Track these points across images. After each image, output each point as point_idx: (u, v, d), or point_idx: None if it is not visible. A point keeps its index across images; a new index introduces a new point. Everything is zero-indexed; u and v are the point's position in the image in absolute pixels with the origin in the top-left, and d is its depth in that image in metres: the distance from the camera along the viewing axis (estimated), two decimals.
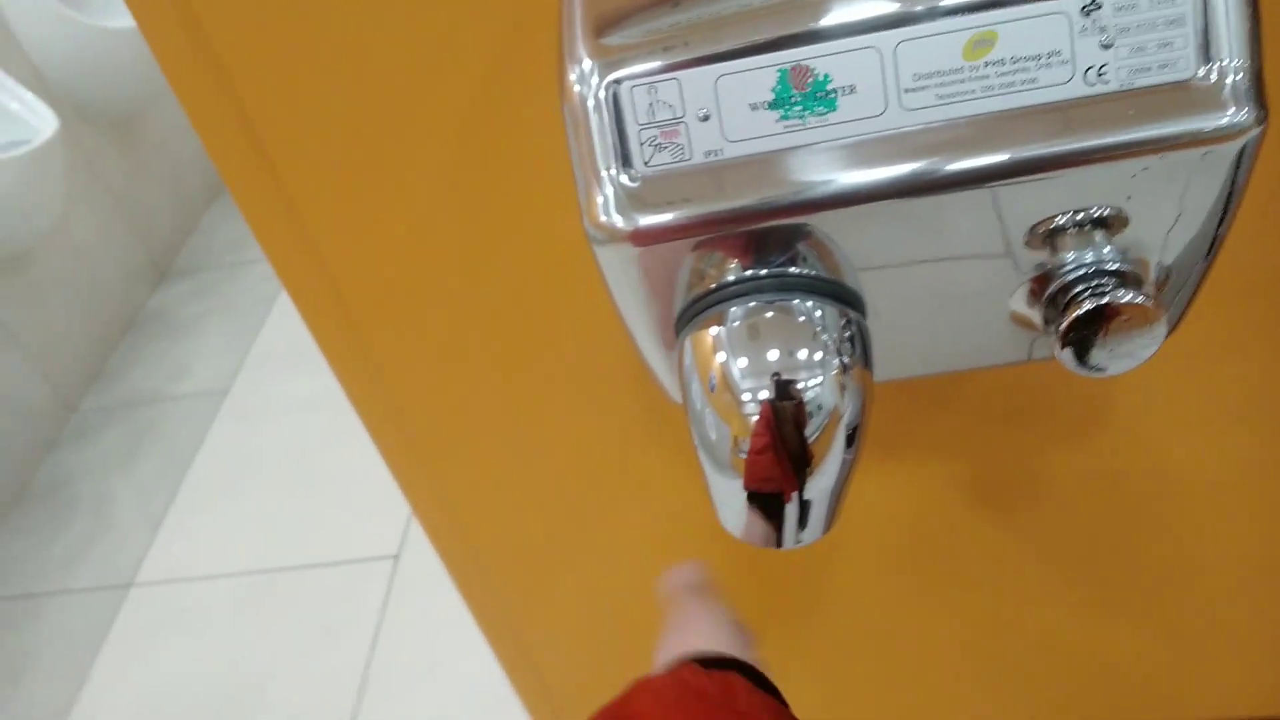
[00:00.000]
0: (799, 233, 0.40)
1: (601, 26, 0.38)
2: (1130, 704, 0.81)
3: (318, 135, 0.52)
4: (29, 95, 2.03)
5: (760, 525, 0.44)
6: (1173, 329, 0.45)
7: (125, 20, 2.27)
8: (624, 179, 0.37)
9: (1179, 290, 0.42)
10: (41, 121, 1.99)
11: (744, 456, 0.42)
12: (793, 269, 0.41)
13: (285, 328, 2.38)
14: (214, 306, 2.54)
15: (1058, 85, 0.35)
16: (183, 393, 2.32)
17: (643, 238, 0.38)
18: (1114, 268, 0.39)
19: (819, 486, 0.42)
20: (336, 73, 0.50)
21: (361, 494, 1.88)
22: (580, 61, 0.37)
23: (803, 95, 0.36)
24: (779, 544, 0.45)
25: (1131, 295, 0.38)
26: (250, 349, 2.38)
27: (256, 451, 2.12)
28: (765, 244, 0.40)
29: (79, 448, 2.25)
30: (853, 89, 0.35)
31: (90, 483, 2.16)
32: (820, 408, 0.40)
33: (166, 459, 2.16)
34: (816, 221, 0.38)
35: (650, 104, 0.36)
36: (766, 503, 0.43)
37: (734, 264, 0.41)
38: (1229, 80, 0.35)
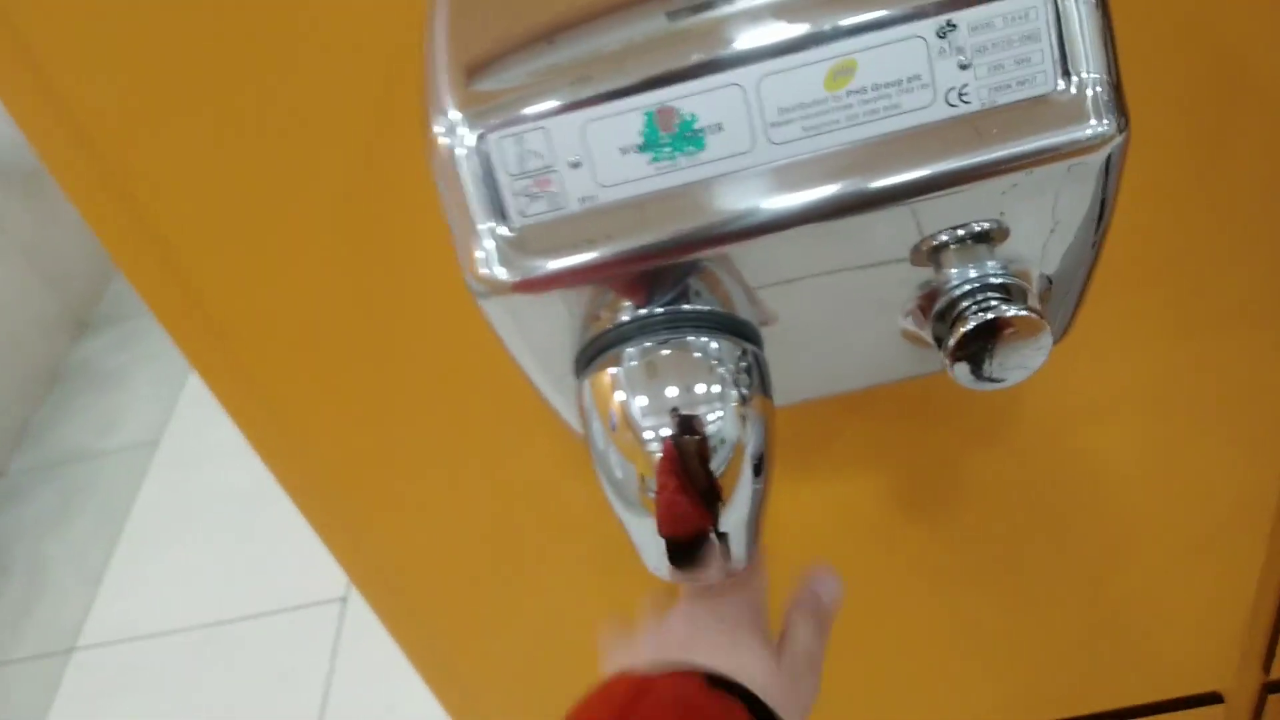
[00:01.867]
0: (687, 269, 0.39)
1: (471, 71, 0.38)
2: (1074, 692, 0.82)
3: (195, 188, 0.51)
4: None
5: (684, 564, 0.44)
6: (1063, 334, 0.46)
7: None
8: (501, 231, 0.37)
9: (1064, 296, 0.43)
10: None
11: (652, 496, 0.41)
12: (684, 305, 0.41)
13: None
14: (139, 355, 2.48)
15: (921, 109, 0.35)
16: (113, 446, 2.26)
17: (527, 288, 0.38)
18: (998, 281, 0.39)
19: (733, 519, 0.42)
20: (210, 122, 0.49)
21: (303, 537, 1.85)
22: (445, 112, 0.36)
23: (671, 136, 0.35)
24: (706, 579, 0.45)
25: (1016, 308, 0.38)
26: (179, 396, 2.33)
27: (193, 501, 2.08)
28: (654, 282, 0.40)
29: (9, 511, 2.18)
30: (720, 127, 0.35)
31: (23, 546, 2.10)
32: (724, 441, 0.40)
33: (101, 516, 2.11)
34: (699, 258, 0.38)
35: (519, 154, 0.36)
36: (685, 544, 0.42)
37: (625, 304, 0.41)
38: (1089, 92, 0.35)
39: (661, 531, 0.42)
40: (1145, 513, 0.69)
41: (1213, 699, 0.84)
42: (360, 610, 1.78)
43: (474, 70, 0.38)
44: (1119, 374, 0.61)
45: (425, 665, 0.77)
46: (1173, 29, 0.47)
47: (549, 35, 0.38)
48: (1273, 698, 0.84)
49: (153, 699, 1.75)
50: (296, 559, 1.85)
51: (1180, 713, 0.84)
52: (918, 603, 0.74)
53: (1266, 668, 0.81)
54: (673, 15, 0.37)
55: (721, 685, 0.44)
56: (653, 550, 0.43)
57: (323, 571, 1.82)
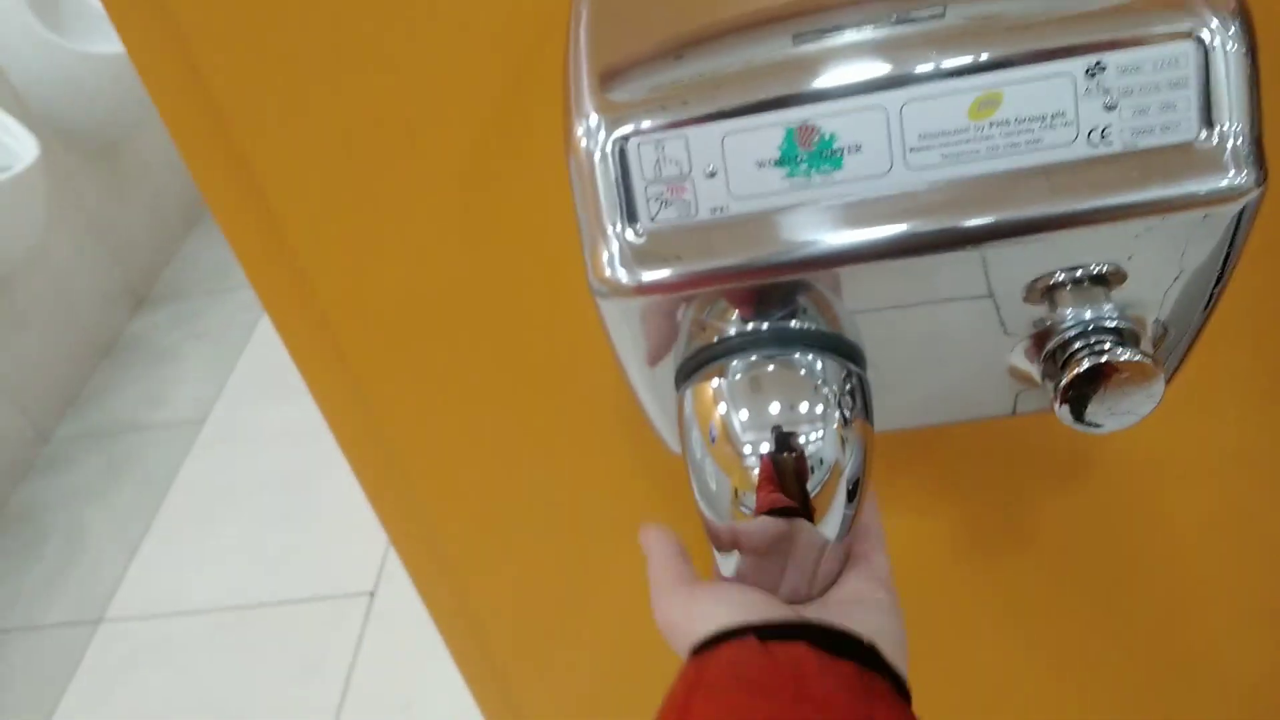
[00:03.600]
0: (800, 287, 0.40)
1: (607, 79, 0.38)
2: None
3: (310, 166, 0.52)
4: (10, 120, 2.02)
5: None
6: (1168, 382, 0.45)
7: (108, 45, 2.27)
8: (629, 234, 0.37)
9: (1175, 346, 0.43)
10: (22, 147, 1.98)
11: (745, 510, 0.41)
12: (793, 322, 0.41)
13: (263, 356, 2.36)
14: (192, 334, 2.52)
15: (1062, 146, 0.35)
16: (159, 421, 2.29)
17: (646, 292, 0.38)
18: (1112, 324, 0.39)
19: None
20: (332, 105, 0.50)
21: (338, 528, 1.87)
22: (587, 116, 0.37)
23: (809, 154, 0.36)
24: None
25: (1130, 353, 0.38)
26: (229, 377, 2.36)
27: (232, 482, 2.10)
28: (766, 297, 0.40)
29: (52, 477, 2.22)
30: (858, 148, 0.36)
31: (63, 514, 2.13)
32: (822, 461, 0.40)
33: (142, 489, 2.14)
34: (818, 277, 0.38)
35: (657, 160, 0.36)
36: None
37: (735, 317, 0.41)
38: (1229, 144, 0.35)
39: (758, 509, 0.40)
40: (1214, 576, 0.68)
41: None
42: (387, 605, 1.78)
43: (615, 76, 0.38)
44: (1203, 429, 0.60)
45: (466, 661, 0.77)
46: None
47: (686, 47, 0.39)
48: None
49: (174, 676, 1.76)
50: (328, 549, 1.87)
51: None
52: (971, 646, 0.73)
53: None
54: (798, 39, 0.37)
55: (778, 634, 0.39)
56: (734, 561, 0.43)
57: (354, 564, 1.84)
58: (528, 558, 0.70)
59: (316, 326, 0.58)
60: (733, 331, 0.41)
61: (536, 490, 0.66)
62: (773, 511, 0.41)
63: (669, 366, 0.43)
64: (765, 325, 0.41)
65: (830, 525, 0.41)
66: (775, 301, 0.41)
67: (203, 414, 2.28)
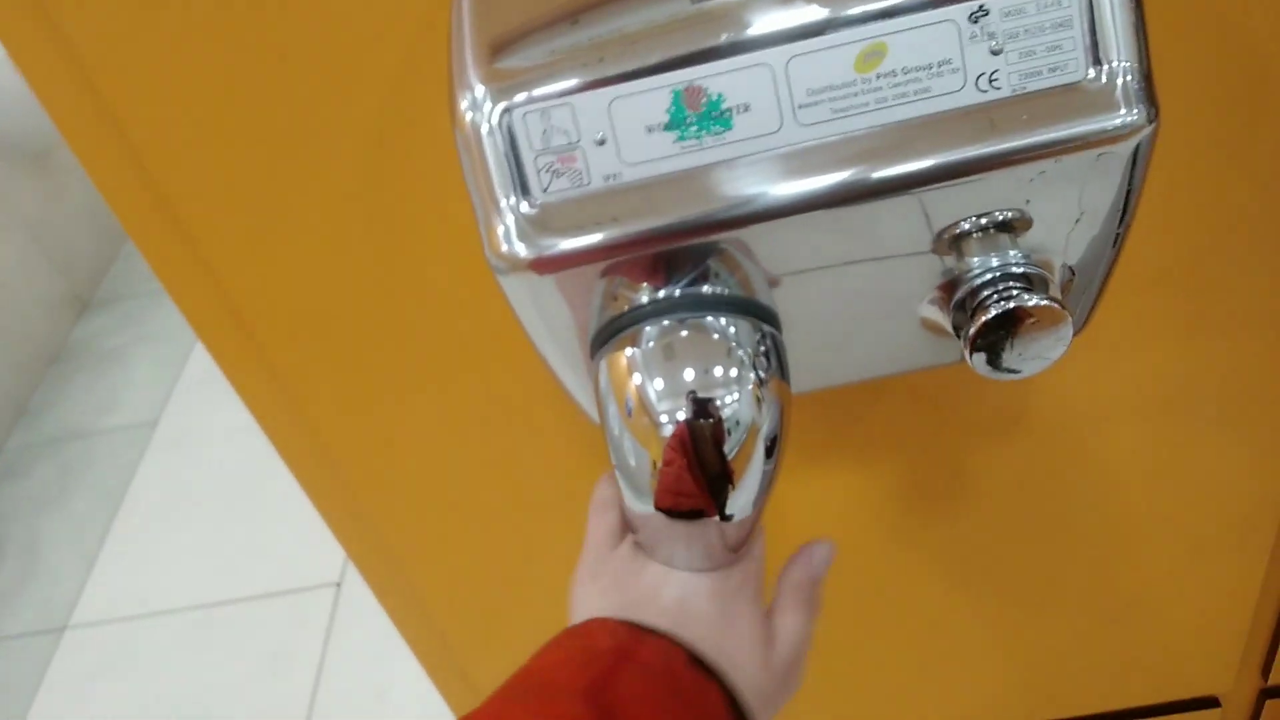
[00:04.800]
0: (707, 250, 0.39)
1: (495, 48, 0.38)
2: (1074, 691, 0.82)
3: (211, 166, 0.50)
4: None
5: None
6: (1081, 327, 0.45)
7: None
8: (523, 207, 0.37)
9: (1085, 289, 0.43)
10: None
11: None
12: (704, 287, 0.41)
13: None
14: (140, 336, 2.47)
15: (950, 94, 0.35)
16: (111, 426, 2.26)
17: (546, 265, 0.37)
18: (1020, 270, 0.39)
19: (740, 501, 0.42)
20: (221, 97, 0.48)
21: (299, 521, 1.85)
22: (471, 88, 0.36)
23: (698, 115, 0.35)
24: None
25: (1038, 298, 0.38)
26: (179, 378, 2.33)
27: (189, 483, 2.07)
28: (674, 263, 0.40)
29: (6, 488, 2.18)
30: (747, 107, 0.35)
31: (19, 524, 2.09)
32: (739, 423, 0.40)
33: (98, 495, 2.10)
34: (721, 239, 0.38)
35: (545, 130, 0.36)
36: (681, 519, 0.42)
37: (645, 285, 0.40)
38: (1119, 81, 0.35)
39: (657, 504, 0.41)
40: (1150, 513, 0.69)
41: (1210, 703, 0.84)
42: (354, 595, 1.78)
43: (500, 47, 0.37)
44: (1129, 372, 0.61)
45: (421, 647, 0.77)
46: (1204, 20, 0.47)
47: (574, 14, 0.38)
48: (1271, 703, 0.84)
49: (143, 679, 1.75)
50: (292, 543, 1.86)
51: (1177, 715, 0.84)
52: (917, 596, 0.74)
53: (1265, 673, 0.81)
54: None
55: (702, 664, 0.42)
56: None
57: (318, 556, 1.82)
58: (469, 539, 0.70)
59: (236, 331, 0.57)
60: (643, 299, 0.41)
61: (470, 471, 0.65)
62: (671, 513, 0.41)
63: (581, 341, 0.43)
64: (676, 291, 0.41)
65: (749, 485, 0.41)
66: (685, 267, 0.40)
67: (154, 416, 2.25)
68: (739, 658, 0.44)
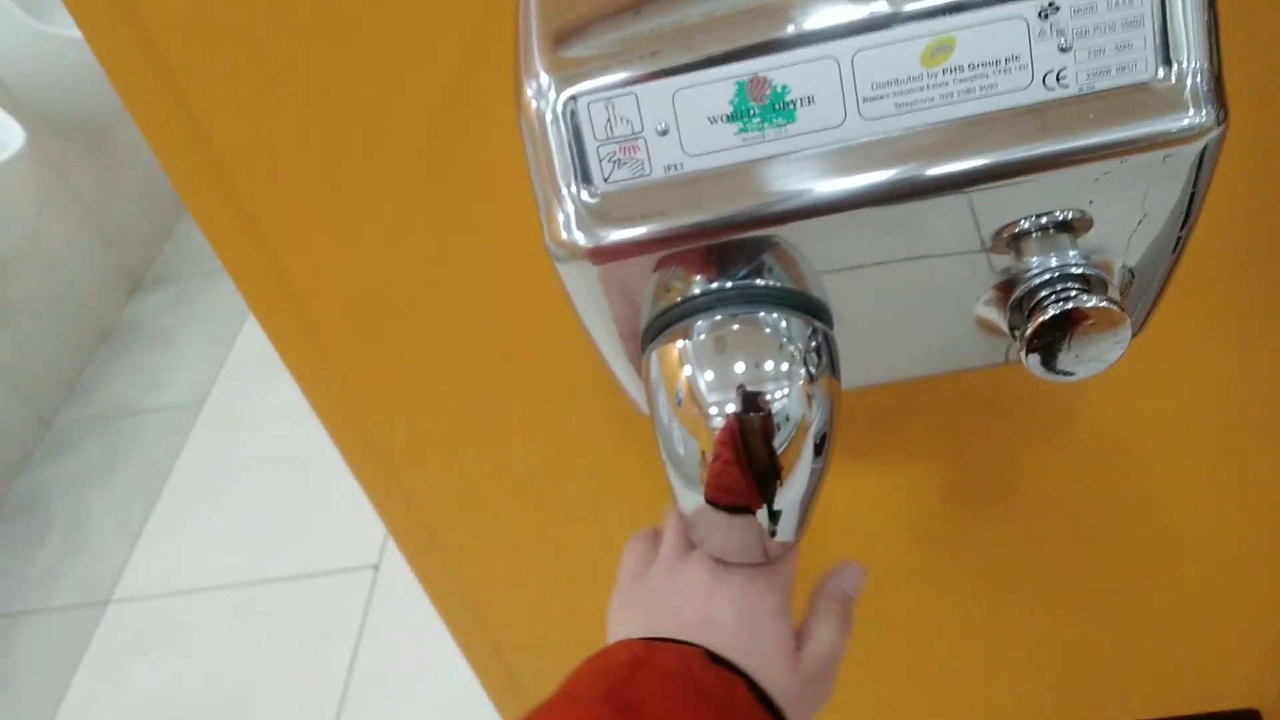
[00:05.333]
0: (763, 244, 0.39)
1: (560, 38, 0.38)
2: (1112, 698, 0.81)
3: (275, 148, 0.51)
4: None
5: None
6: (1139, 330, 0.45)
7: None
8: (584, 195, 0.37)
9: (1144, 291, 0.42)
10: (8, 135, 1.97)
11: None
12: (758, 281, 0.41)
13: (261, 336, 2.34)
14: (189, 316, 2.51)
15: (1017, 90, 0.35)
16: (160, 404, 2.29)
17: (604, 254, 0.38)
18: (1078, 271, 0.39)
19: (788, 497, 0.42)
20: (291, 85, 0.49)
21: (340, 503, 1.87)
22: (537, 76, 0.36)
23: (761, 107, 0.35)
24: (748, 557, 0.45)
25: (1096, 299, 0.38)
26: (227, 358, 2.36)
27: (234, 462, 2.10)
28: (729, 256, 0.40)
29: (54, 463, 2.22)
30: (811, 100, 0.35)
31: (66, 498, 2.13)
32: (788, 419, 0.40)
33: (144, 472, 2.14)
34: (778, 233, 0.38)
35: (608, 119, 0.36)
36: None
37: (699, 277, 0.41)
38: (1188, 82, 0.35)
39: (706, 496, 0.41)
40: (1195, 522, 0.68)
41: (1251, 716, 0.83)
42: (392, 579, 1.79)
43: (565, 36, 0.38)
44: (1177, 378, 0.60)
45: (458, 627, 0.77)
46: (1272, 19, 0.46)
47: (638, 4, 0.38)
48: None
49: (183, 654, 1.77)
50: (332, 525, 1.87)
51: None
52: (957, 598, 0.74)
53: None
54: None
55: (724, 663, 0.42)
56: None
57: (357, 538, 1.84)
58: (516, 530, 0.70)
59: (292, 312, 0.58)
60: (697, 291, 0.41)
61: (520, 462, 0.66)
62: (719, 506, 0.41)
63: (634, 331, 0.43)
64: (729, 284, 0.41)
65: (797, 481, 0.41)
66: (739, 260, 0.40)
67: (202, 395, 2.28)
68: (764, 659, 0.44)
